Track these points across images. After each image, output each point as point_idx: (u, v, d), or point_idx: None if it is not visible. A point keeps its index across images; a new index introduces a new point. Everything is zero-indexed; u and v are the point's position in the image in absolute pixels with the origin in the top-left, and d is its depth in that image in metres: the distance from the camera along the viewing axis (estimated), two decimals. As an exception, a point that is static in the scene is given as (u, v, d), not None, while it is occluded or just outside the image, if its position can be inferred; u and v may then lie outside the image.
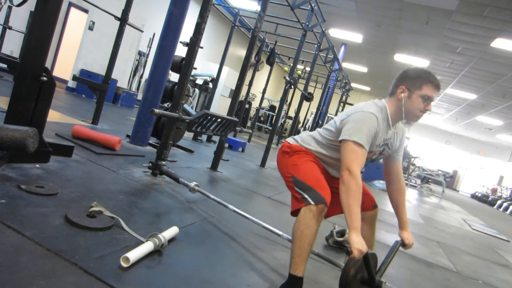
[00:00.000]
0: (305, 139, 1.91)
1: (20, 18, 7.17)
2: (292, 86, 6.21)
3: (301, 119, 15.77)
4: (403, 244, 1.88)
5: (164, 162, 3.09)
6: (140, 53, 9.87)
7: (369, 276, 1.60)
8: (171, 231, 1.86)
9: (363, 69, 15.12)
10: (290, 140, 1.95)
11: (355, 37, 10.89)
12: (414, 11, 7.86)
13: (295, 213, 1.70)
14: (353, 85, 16.04)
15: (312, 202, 1.62)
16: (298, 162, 1.82)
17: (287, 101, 12.37)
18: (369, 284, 1.61)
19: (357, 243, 1.45)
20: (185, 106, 5.23)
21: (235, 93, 4.13)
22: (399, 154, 1.92)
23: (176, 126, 3.18)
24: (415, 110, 1.70)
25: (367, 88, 19.62)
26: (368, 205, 1.98)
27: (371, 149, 1.70)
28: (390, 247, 1.89)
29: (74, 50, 8.17)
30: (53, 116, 4.20)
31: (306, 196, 1.65)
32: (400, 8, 8.00)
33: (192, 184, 2.72)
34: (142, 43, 9.60)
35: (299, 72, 12.07)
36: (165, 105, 4.51)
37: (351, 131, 1.62)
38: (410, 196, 9.20)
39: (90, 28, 8.04)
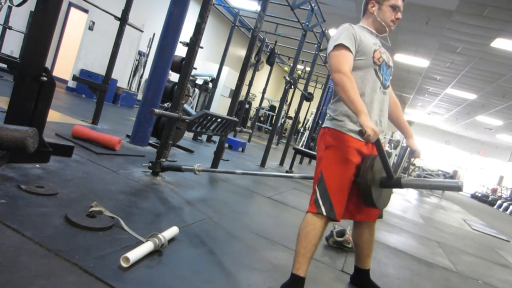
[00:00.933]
0: (332, 109, 1.78)
1: (20, 18, 7.17)
2: (292, 86, 6.21)
3: (301, 119, 15.76)
4: (412, 151, 1.94)
5: (164, 161, 3.09)
6: (140, 53, 9.87)
7: (386, 172, 1.64)
8: (171, 231, 1.86)
9: (363, 69, 15.08)
10: (326, 123, 1.80)
11: (355, 37, 10.87)
12: (414, 11, 7.86)
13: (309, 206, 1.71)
14: (353, 85, 16.00)
15: (324, 214, 1.63)
16: (333, 159, 1.70)
17: (287, 101, 12.37)
18: (388, 182, 1.65)
19: (370, 123, 1.49)
20: (185, 106, 5.23)
21: (235, 93, 4.13)
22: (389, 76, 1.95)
23: (176, 126, 3.18)
24: (387, 19, 1.83)
25: (367, 88, 19.58)
26: (375, 214, 1.93)
27: (371, 47, 1.73)
28: (390, 247, 1.89)
29: (74, 50, 8.17)
30: (53, 116, 4.20)
31: (320, 203, 1.65)
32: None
33: (196, 166, 2.72)
34: (142, 43, 9.60)
35: (299, 72, 12.07)
36: (165, 105, 4.51)
37: (330, 45, 1.72)
38: (410, 196, 9.20)
39: (90, 28, 8.04)
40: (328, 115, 1.82)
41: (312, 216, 1.65)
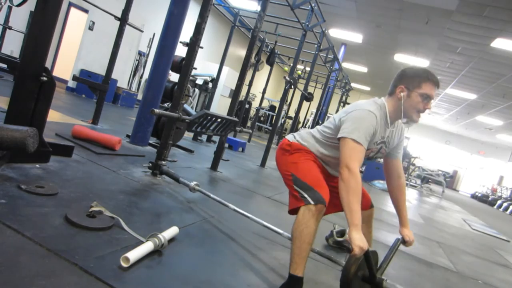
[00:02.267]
0: (304, 136, 1.91)
1: (20, 18, 7.17)
2: (292, 86, 6.21)
3: (301, 119, 15.77)
4: (403, 241, 1.88)
5: (164, 162, 3.09)
6: (140, 53, 9.87)
7: (370, 274, 1.60)
8: (171, 231, 1.86)
9: (363, 69, 15.12)
10: (289, 137, 1.96)
11: (355, 37, 10.89)
12: (414, 11, 7.86)
13: (293, 211, 1.71)
14: (353, 85, 16.04)
15: (312, 202, 1.63)
16: (298, 160, 1.82)
17: (287, 101, 12.37)
18: (370, 281, 1.61)
19: (358, 240, 1.45)
20: (185, 106, 5.23)
21: (235, 93, 4.13)
22: (398, 151, 1.92)
23: (176, 126, 3.18)
24: (414, 109, 1.70)
25: (367, 88, 19.62)
26: (365, 205, 1.99)
27: (368, 146, 1.70)
28: (390, 246, 1.89)
29: (74, 50, 8.17)
30: (53, 116, 4.20)
31: (305, 195, 1.65)
32: (400, 8, 8.00)
33: (192, 183, 2.72)
34: (142, 43, 9.60)
35: (299, 72, 12.07)
36: (165, 105, 4.51)
37: (349, 129, 1.62)
38: (410, 196, 9.20)
39: (90, 28, 8.04)
40: (297, 136, 1.93)
41: (302, 213, 1.63)
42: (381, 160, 1.99)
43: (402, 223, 1.92)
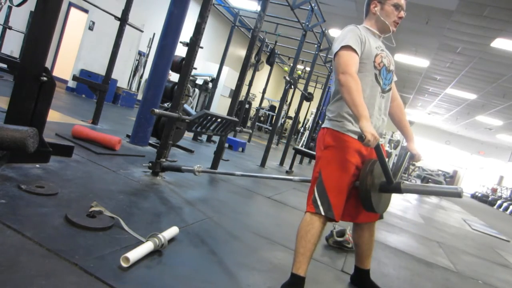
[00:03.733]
0: (331, 110, 1.78)
1: (20, 18, 7.16)
2: (292, 86, 6.21)
3: (301, 119, 15.76)
4: (412, 155, 1.93)
5: (164, 161, 3.09)
6: (140, 53, 9.87)
7: (386, 178, 1.63)
8: (171, 231, 1.86)
9: (363, 69, 15.08)
10: (326, 124, 1.81)
11: (355, 37, 10.87)
12: (414, 11, 7.85)
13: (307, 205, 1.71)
14: (353, 85, 16.00)
15: (322, 213, 1.64)
16: (332, 159, 1.70)
17: (287, 101, 12.37)
18: (388, 187, 1.64)
19: (370, 128, 1.48)
20: (185, 106, 5.23)
21: (235, 93, 4.13)
22: (393, 74, 1.95)
23: (176, 126, 3.18)
24: (391, 19, 1.82)
25: (367, 88, 19.58)
26: (375, 216, 1.94)
27: (373, 51, 1.73)
28: (390, 247, 1.89)
29: (74, 50, 8.17)
30: (53, 116, 4.20)
31: (319, 203, 1.65)
32: (400, 8, 7.99)
33: (195, 166, 2.72)
34: (142, 43, 9.60)
35: (299, 72, 12.07)
36: (165, 105, 4.51)
37: (336, 45, 1.70)
38: (410, 196, 9.20)
39: (90, 28, 8.04)
40: (327, 115, 1.83)
41: (310, 215, 1.65)
42: None
43: (408, 139, 1.98)
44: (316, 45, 6.59)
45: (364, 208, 1.68)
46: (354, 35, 1.69)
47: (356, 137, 1.67)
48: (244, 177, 2.42)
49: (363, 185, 1.58)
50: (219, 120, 3.41)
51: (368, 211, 1.69)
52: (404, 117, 2.02)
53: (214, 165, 4.22)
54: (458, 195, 1.56)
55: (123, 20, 4.60)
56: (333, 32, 10.78)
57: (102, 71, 6.73)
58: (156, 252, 1.66)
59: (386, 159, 1.64)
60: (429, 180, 13.39)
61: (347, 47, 1.65)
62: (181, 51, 3.73)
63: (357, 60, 1.66)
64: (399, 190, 1.64)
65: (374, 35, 1.84)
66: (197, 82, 8.48)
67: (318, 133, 1.87)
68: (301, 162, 8.75)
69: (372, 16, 1.84)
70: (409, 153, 1.94)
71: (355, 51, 1.65)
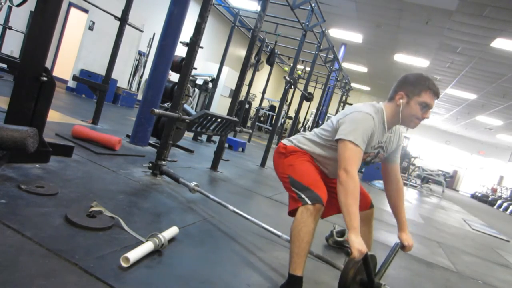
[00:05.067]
0: (300, 140, 1.92)
1: (20, 18, 7.17)
2: (292, 86, 6.21)
3: (301, 119, 15.76)
4: (402, 246, 1.87)
5: (164, 162, 3.09)
6: (140, 53, 9.87)
7: (368, 278, 1.59)
8: (171, 231, 1.86)
9: (363, 69, 15.12)
10: (285, 141, 1.96)
11: (355, 37, 10.89)
12: (414, 11, 7.86)
13: (292, 213, 1.71)
14: (353, 85, 16.04)
15: (309, 202, 1.63)
16: (294, 162, 1.82)
17: (287, 101, 12.36)
18: (368, 286, 1.60)
19: (357, 244, 1.44)
20: (185, 106, 5.23)
21: (235, 93, 4.13)
22: (396, 156, 1.92)
23: (176, 126, 3.18)
24: (413, 116, 1.71)
25: (367, 88, 19.63)
26: (365, 205, 1.99)
27: (366, 150, 1.70)
28: (390, 247, 1.89)
29: (74, 50, 8.17)
30: (53, 116, 4.20)
31: (303, 196, 1.66)
32: (400, 8, 8.00)
33: (192, 184, 2.72)
34: (142, 43, 9.60)
35: (299, 72, 12.06)
36: (165, 105, 4.51)
37: (347, 131, 1.63)
38: (410, 196, 9.20)
39: (90, 28, 8.04)
40: (292, 140, 1.93)
41: (300, 213, 1.64)
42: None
43: (401, 227, 1.91)
44: (316, 45, 6.59)
45: None
46: (367, 130, 1.64)
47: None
48: (235, 214, 2.43)
49: (343, 279, 1.52)
50: (219, 120, 3.41)
51: None
52: (402, 204, 1.93)
53: (214, 165, 4.22)
54: None
55: (123, 20, 4.60)
56: (333, 32, 10.79)
57: (102, 71, 6.73)
58: (156, 252, 1.66)
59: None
60: (429, 180, 13.37)
61: (356, 145, 1.59)
62: (181, 51, 3.73)
63: (361, 157, 1.62)
64: None
65: (384, 127, 1.76)
66: (197, 82, 8.48)
67: (274, 153, 1.97)
68: (301, 162, 8.73)
69: (395, 106, 1.73)
70: (399, 243, 1.86)
71: (361, 148, 1.61)
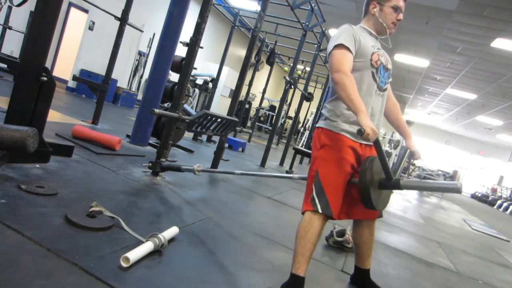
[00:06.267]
0: (327, 109, 1.80)
1: (20, 18, 7.16)
2: (292, 86, 6.21)
3: (301, 119, 15.76)
4: (411, 153, 1.93)
5: (164, 161, 3.09)
6: (140, 53, 9.87)
7: (385, 173, 1.62)
8: (171, 231, 1.86)
9: (363, 69, 15.07)
10: (320, 124, 1.83)
11: (355, 37, 10.87)
12: (414, 11, 7.85)
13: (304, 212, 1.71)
14: (353, 85, 15.99)
15: (320, 211, 1.64)
16: (328, 157, 1.71)
17: (287, 101, 12.37)
18: (387, 183, 1.63)
19: (369, 123, 1.48)
20: (185, 106, 5.23)
21: (235, 93, 4.13)
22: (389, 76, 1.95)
23: (176, 126, 3.18)
24: (389, 21, 1.81)
25: (367, 88, 19.58)
26: (374, 213, 1.93)
27: (370, 49, 1.73)
28: (390, 247, 1.89)
29: (74, 50, 8.17)
30: (53, 116, 4.20)
31: (316, 201, 1.65)
32: (400, 8, 7.99)
33: (195, 166, 2.72)
34: (142, 43, 9.60)
35: (299, 72, 12.07)
36: (165, 105, 4.51)
37: (330, 45, 1.72)
38: (410, 196, 9.20)
39: (90, 28, 8.04)
40: (323, 114, 1.84)
41: (309, 215, 1.65)
42: None
43: (406, 136, 1.99)
44: (316, 45, 6.59)
45: (363, 205, 1.67)
46: (348, 33, 1.70)
47: (350, 137, 1.70)
48: (243, 175, 2.42)
49: (362, 181, 1.57)
50: (219, 120, 3.41)
51: (367, 208, 1.68)
52: (401, 115, 2.03)
53: (214, 165, 4.21)
54: (458, 190, 1.55)
55: (123, 20, 4.60)
56: (333, 32, 10.77)
57: (102, 71, 6.73)
58: (156, 252, 1.66)
59: (386, 158, 1.63)
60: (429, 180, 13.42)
61: (341, 46, 1.66)
62: (181, 51, 3.74)
63: (350, 57, 1.67)
64: (398, 186, 1.63)
65: (371, 35, 1.84)
66: (197, 82, 8.48)
67: (313, 133, 1.88)
68: (301, 162, 8.75)
69: (371, 16, 1.85)
70: (408, 150, 1.94)
71: (348, 49, 1.66)
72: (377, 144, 1.55)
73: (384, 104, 1.87)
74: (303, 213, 1.71)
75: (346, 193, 1.73)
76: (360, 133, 1.47)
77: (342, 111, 1.72)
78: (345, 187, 1.71)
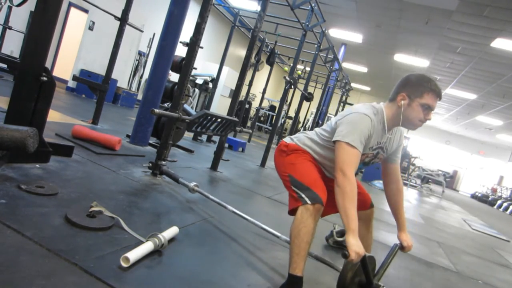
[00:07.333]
0: (301, 138, 1.92)
1: (20, 18, 7.17)
2: (292, 86, 6.21)
3: (301, 119, 15.76)
4: (401, 247, 1.86)
5: (164, 162, 3.09)
6: (140, 53, 9.87)
7: (366, 280, 1.58)
8: (171, 231, 1.86)
9: (363, 69, 15.12)
10: (287, 139, 1.96)
11: (355, 37, 10.89)
12: (414, 11, 7.86)
13: (292, 212, 1.71)
14: (353, 85, 16.04)
15: (309, 202, 1.63)
16: (295, 161, 1.83)
17: (287, 101, 12.36)
18: (366, 287, 1.58)
19: (355, 246, 1.43)
20: (185, 106, 5.23)
21: (235, 93, 4.13)
22: (397, 156, 1.91)
23: (176, 126, 3.18)
24: (415, 118, 1.68)
25: (367, 88, 19.62)
26: (364, 204, 1.98)
27: (364, 151, 1.69)
28: (390, 247, 1.89)
29: (74, 50, 8.17)
30: (53, 116, 4.20)
31: (303, 195, 1.66)
32: (400, 8, 8.00)
33: (192, 184, 2.72)
34: (142, 43, 9.60)
35: (299, 72, 12.06)
36: (165, 105, 4.51)
37: (344, 132, 1.62)
38: (410, 196, 9.20)
39: (90, 28, 8.04)
40: (294, 138, 1.93)
41: (300, 213, 1.64)
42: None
43: (400, 227, 1.90)
44: (316, 45, 6.59)
45: None
46: (365, 132, 1.63)
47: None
48: (235, 214, 2.43)
49: (342, 280, 1.50)
50: (219, 120, 3.41)
51: None
52: (402, 204, 1.92)
53: (214, 165, 4.22)
54: None
55: (123, 20, 4.60)
56: (333, 32, 10.79)
57: (102, 71, 6.73)
58: (156, 252, 1.66)
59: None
60: (429, 180, 13.37)
61: (353, 147, 1.59)
62: (181, 51, 3.73)
63: (358, 159, 1.61)
64: None
65: (384, 128, 1.74)
66: (197, 82, 8.48)
67: (278, 146, 1.97)
68: (301, 162, 8.73)
69: (396, 107, 1.71)
70: (398, 244, 1.85)
71: (359, 150, 1.60)
72: (363, 262, 1.50)
73: None
74: (291, 212, 1.72)
75: (328, 187, 1.77)
76: (345, 256, 1.43)
77: (313, 154, 1.85)
78: (321, 176, 1.79)
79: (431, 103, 1.65)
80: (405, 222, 1.93)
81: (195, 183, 2.74)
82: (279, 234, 2.21)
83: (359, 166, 1.75)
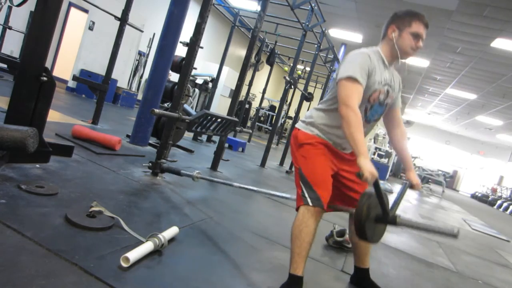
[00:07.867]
0: (307, 115, 1.86)
1: (20, 18, 7.17)
2: (292, 86, 6.21)
3: (301, 119, 15.73)
4: (411, 185, 1.90)
5: (164, 161, 3.09)
6: (140, 53, 9.87)
7: (383, 210, 1.59)
8: (171, 231, 1.86)
9: (363, 69, 15.08)
10: (299, 125, 1.88)
11: (355, 37, 10.88)
12: (414, 11, 7.85)
13: (298, 209, 1.72)
14: (353, 85, 15.98)
15: (310, 204, 1.64)
16: (307, 154, 1.76)
17: (287, 101, 12.37)
18: (384, 219, 1.60)
19: (369, 166, 1.46)
20: (185, 106, 5.23)
21: (235, 93, 4.13)
22: (397, 100, 1.94)
23: (176, 126, 3.18)
24: (407, 47, 1.75)
25: (367, 88, 19.58)
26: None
27: (374, 86, 1.70)
28: (390, 247, 1.89)
29: (74, 50, 8.17)
30: (53, 116, 4.20)
31: (306, 195, 1.66)
32: (400, 8, 7.99)
33: (195, 172, 2.73)
34: (142, 43, 9.60)
35: (299, 72, 12.06)
36: (165, 105, 4.51)
37: (343, 70, 1.65)
38: (410, 196, 9.20)
39: (90, 28, 8.04)
40: (303, 118, 1.87)
41: (302, 213, 1.65)
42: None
43: (408, 168, 1.95)
44: (316, 45, 6.59)
45: (358, 237, 1.61)
46: (363, 64, 1.64)
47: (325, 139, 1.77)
48: (241, 189, 2.45)
49: (358, 218, 1.52)
50: (219, 120, 3.41)
51: (361, 240, 1.64)
52: (406, 145, 1.97)
53: (214, 165, 4.22)
54: (455, 236, 1.52)
55: (123, 20, 4.60)
56: (333, 32, 10.78)
57: (102, 71, 6.73)
58: (156, 252, 1.66)
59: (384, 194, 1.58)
60: (429, 180, 13.39)
61: (353, 79, 1.60)
62: (181, 51, 3.73)
63: (360, 91, 1.62)
64: (394, 223, 1.60)
65: (384, 63, 1.77)
66: (197, 82, 8.47)
67: (292, 133, 1.92)
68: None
69: (389, 41, 1.78)
70: (408, 181, 1.89)
71: (359, 82, 1.61)
72: (376, 184, 1.52)
73: (369, 130, 1.88)
74: (297, 209, 1.72)
75: (334, 187, 1.76)
76: (359, 176, 1.46)
77: (321, 124, 1.78)
78: (330, 178, 1.75)
79: (420, 31, 1.75)
80: (411, 162, 1.98)
81: (197, 171, 2.75)
82: (288, 196, 2.22)
83: (378, 111, 1.79)
